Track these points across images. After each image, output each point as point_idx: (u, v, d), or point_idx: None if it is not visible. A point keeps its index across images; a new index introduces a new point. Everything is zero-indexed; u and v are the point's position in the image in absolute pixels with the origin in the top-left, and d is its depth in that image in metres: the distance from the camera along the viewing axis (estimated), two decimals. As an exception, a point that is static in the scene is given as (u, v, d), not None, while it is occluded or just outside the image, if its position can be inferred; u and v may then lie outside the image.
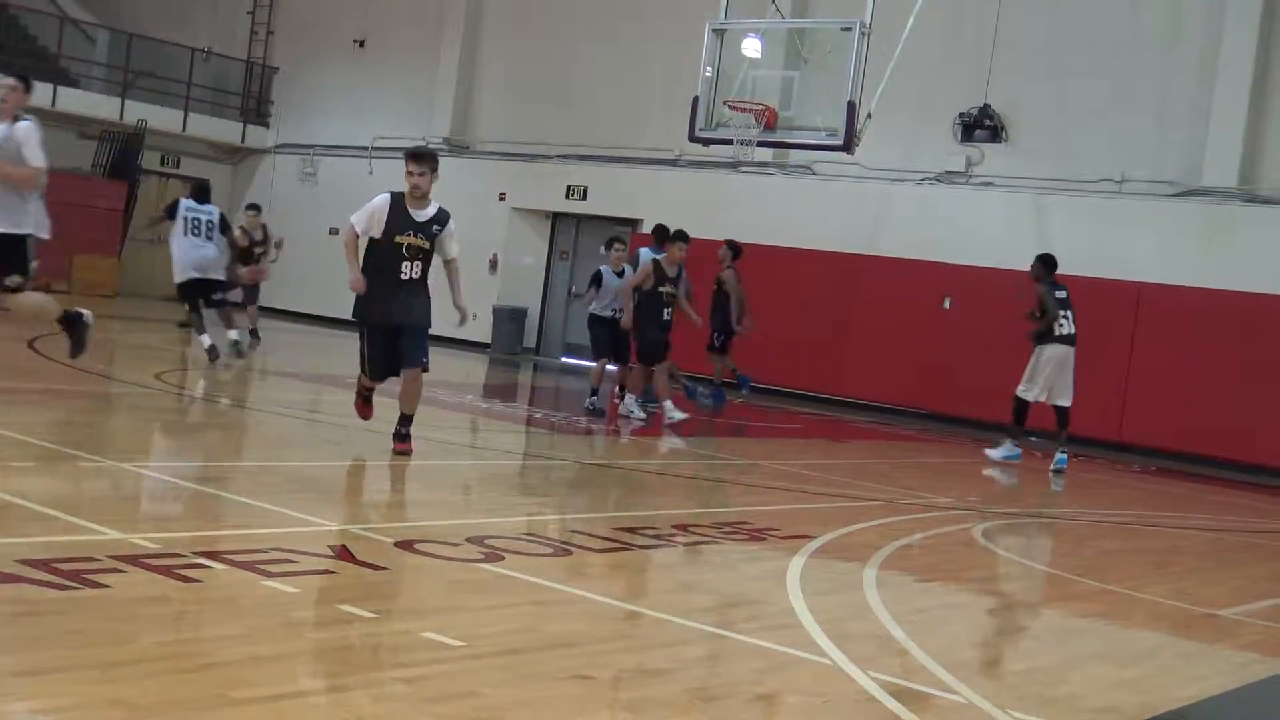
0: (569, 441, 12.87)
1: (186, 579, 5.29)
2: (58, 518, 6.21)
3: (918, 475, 13.39)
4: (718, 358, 17.68)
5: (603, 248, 15.78)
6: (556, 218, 24.88)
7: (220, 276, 14.89)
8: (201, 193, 15.09)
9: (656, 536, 7.65)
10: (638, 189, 22.90)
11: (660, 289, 14.38)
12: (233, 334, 15.18)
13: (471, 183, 24.13)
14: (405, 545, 6.45)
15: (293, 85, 28.94)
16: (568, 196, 24.21)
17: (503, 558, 6.39)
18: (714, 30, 18.09)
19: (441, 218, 9.59)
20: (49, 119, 25.97)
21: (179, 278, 14.72)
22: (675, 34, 21.49)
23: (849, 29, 16.96)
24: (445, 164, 24.55)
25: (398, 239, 9.42)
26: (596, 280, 15.08)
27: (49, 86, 25.36)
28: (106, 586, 5.01)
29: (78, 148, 27.21)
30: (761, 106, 17.74)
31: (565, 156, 24.08)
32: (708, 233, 18.46)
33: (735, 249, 17.50)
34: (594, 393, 14.77)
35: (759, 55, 18.70)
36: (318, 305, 25.82)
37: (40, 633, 4.43)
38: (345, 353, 19.05)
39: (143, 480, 7.69)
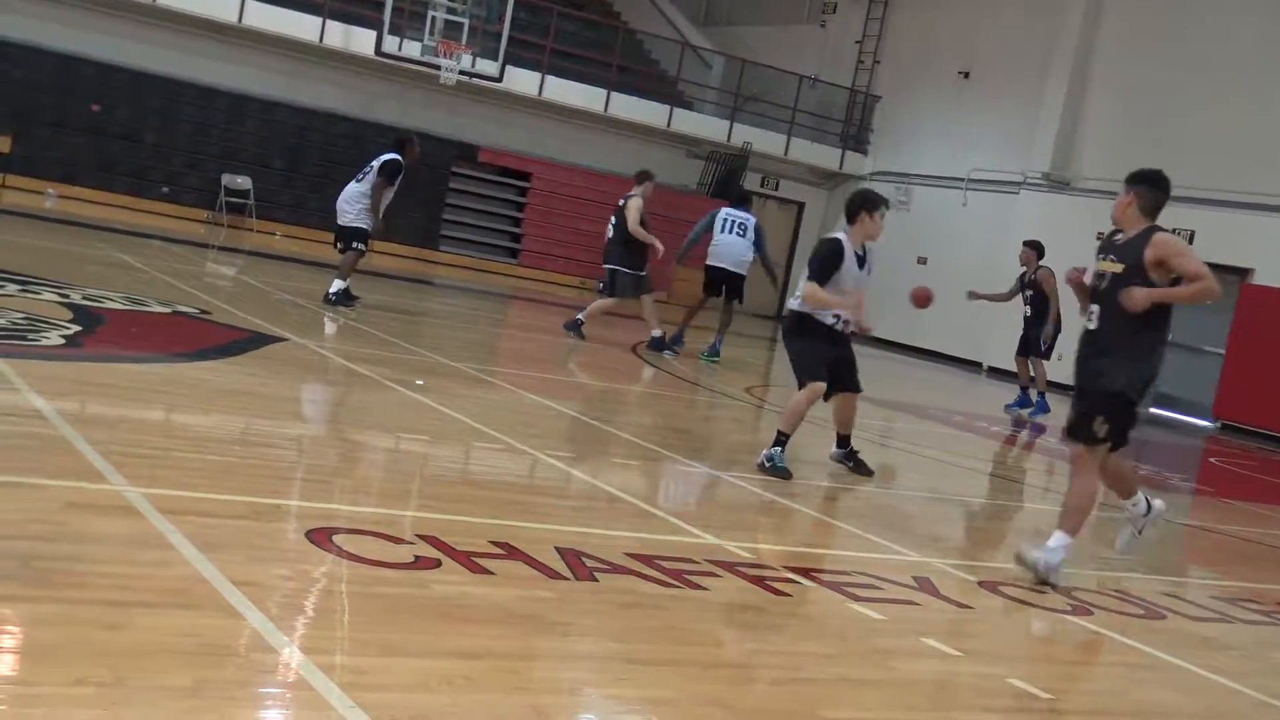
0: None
1: (777, 591, 5.40)
2: (658, 516, 6.53)
3: None
4: (1034, 362, 16.16)
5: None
6: (1156, 261, 23.67)
7: None
8: None
9: (1262, 612, 7.07)
10: (1250, 236, 21.37)
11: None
12: None
13: (1069, 220, 23.43)
14: (988, 585, 6.30)
15: (893, 113, 29.20)
16: (1170, 240, 22.99)
17: (1091, 613, 6.11)
18: (1356, 69, 16.68)
19: None
20: (664, 138, 27.87)
21: None
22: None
23: None
24: (1041, 200, 24.64)
25: None
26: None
27: (666, 108, 26.99)
28: (704, 589, 5.20)
29: (686, 166, 28.77)
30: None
31: (1171, 199, 22.84)
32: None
33: (1039, 249, 15.99)
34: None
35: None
36: (902, 334, 25.62)
37: (645, 624, 4.65)
38: (920, 382, 18.98)
39: (731, 489, 7.94)
